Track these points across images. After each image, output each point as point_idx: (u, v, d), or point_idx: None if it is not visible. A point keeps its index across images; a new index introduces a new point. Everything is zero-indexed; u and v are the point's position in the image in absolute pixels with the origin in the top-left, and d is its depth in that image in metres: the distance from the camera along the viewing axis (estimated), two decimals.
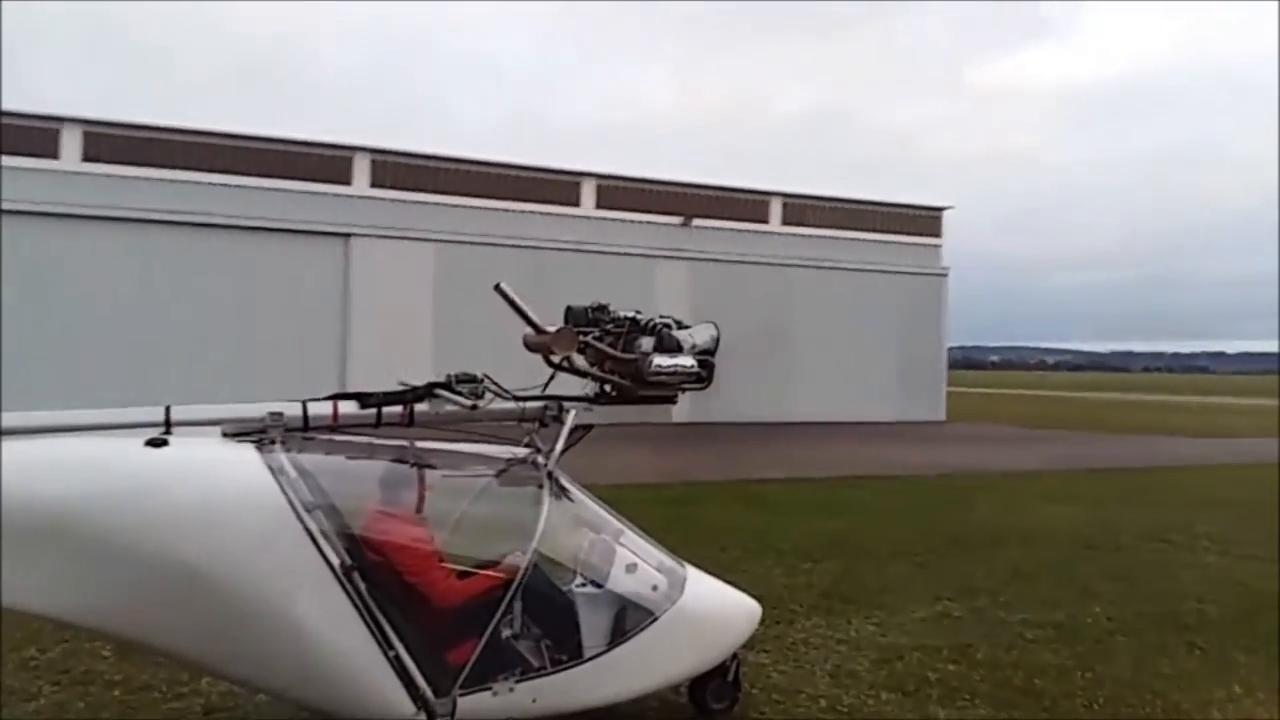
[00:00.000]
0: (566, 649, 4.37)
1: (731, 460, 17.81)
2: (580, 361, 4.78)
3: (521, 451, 4.63)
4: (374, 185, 25.98)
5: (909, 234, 32.40)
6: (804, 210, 31.12)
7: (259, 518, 3.78)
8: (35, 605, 3.62)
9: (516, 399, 4.59)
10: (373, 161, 26.07)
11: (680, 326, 4.98)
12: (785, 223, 30.83)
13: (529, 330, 4.72)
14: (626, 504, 4.94)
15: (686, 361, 4.76)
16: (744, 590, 5.25)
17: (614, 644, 4.44)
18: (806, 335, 29.58)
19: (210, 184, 24.02)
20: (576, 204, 28.35)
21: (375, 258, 25.37)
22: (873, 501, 13.24)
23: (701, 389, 4.92)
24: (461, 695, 4.03)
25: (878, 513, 12.17)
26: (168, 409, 4.03)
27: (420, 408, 4.41)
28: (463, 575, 4.30)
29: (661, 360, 4.69)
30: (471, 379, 4.51)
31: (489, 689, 4.10)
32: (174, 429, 3.99)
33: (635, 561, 4.71)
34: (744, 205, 30.44)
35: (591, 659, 4.38)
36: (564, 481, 4.61)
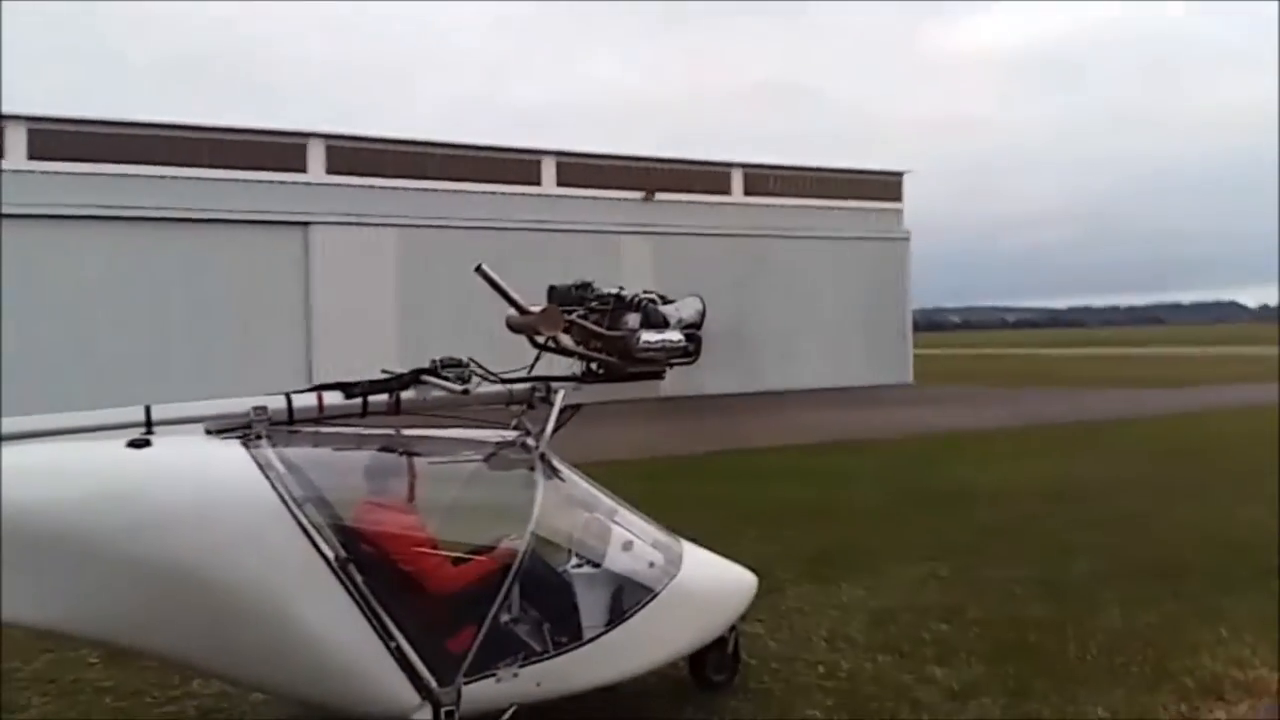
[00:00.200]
0: (568, 631, 4.34)
1: (701, 433, 17.82)
2: (566, 341, 4.72)
3: (511, 434, 4.57)
4: (330, 172, 25.59)
5: (870, 199, 32.52)
6: (765, 180, 31.13)
7: (251, 515, 3.70)
8: (28, 618, 3.52)
9: (504, 381, 4.53)
10: (328, 147, 25.67)
11: (665, 301, 4.94)
12: (747, 193, 30.83)
13: (512, 311, 4.65)
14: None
15: (674, 336, 4.72)
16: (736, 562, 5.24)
17: (616, 623, 4.41)
18: (772, 304, 29.62)
19: (160, 177, 23.49)
20: (537, 183, 28.14)
21: (335, 245, 25.03)
22: (847, 466, 13.34)
23: (689, 363, 4.89)
24: (466, 683, 3.98)
25: (853, 477, 12.27)
26: (148, 408, 3.92)
27: (407, 395, 4.34)
28: (461, 562, 4.25)
29: (649, 336, 4.65)
30: (458, 363, 4.45)
31: (493, 675, 4.05)
32: (155, 428, 3.89)
33: (631, 539, 4.68)
34: (705, 177, 30.39)
35: (594, 639, 4.34)
36: (555, 462, 4.57)
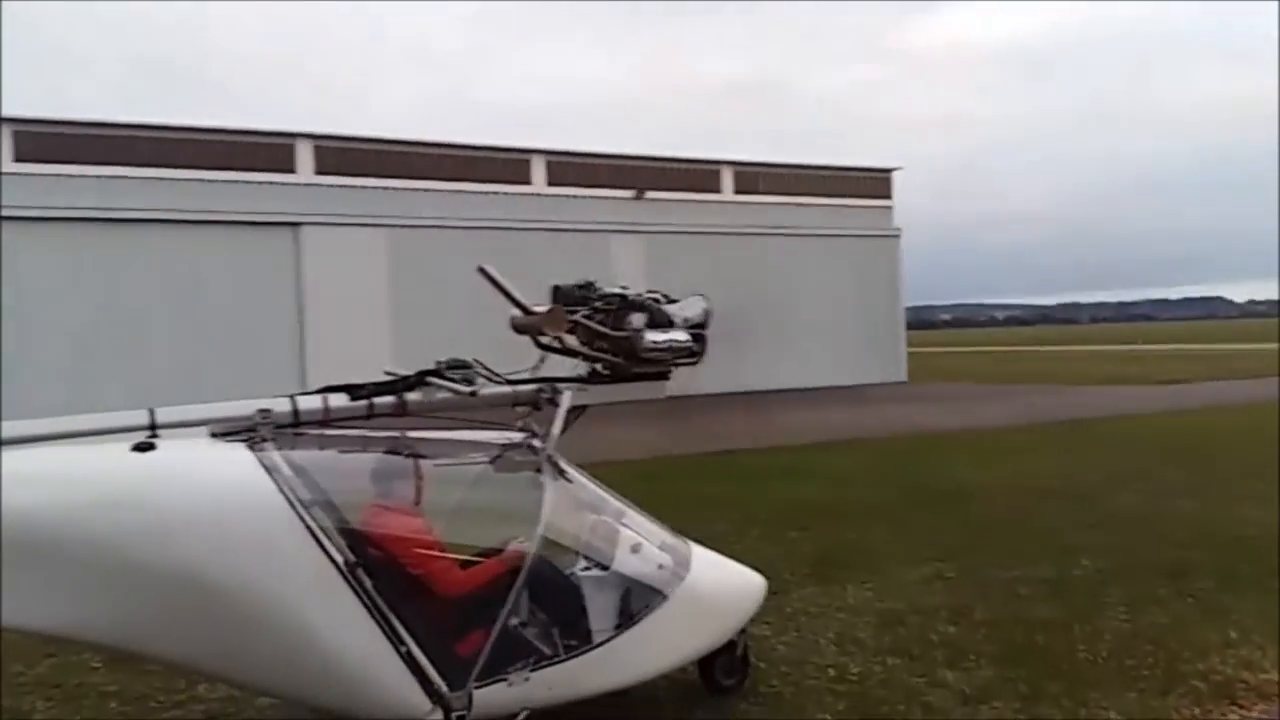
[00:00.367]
0: (578, 635, 4.28)
1: (698, 433, 17.77)
2: (571, 341, 4.66)
3: (517, 436, 4.51)
4: (319, 172, 25.43)
5: (860, 197, 32.49)
6: (755, 178, 31.07)
7: (259, 519, 3.65)
8: (32, 624, 3.46)
9: (510, 383, 4.48)
10: (316, 148, 25.49)
11: (668, 301, 4.88)
12: (738, 191, 30.77)
13: (515, 312, 4.58)
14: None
15: (680, 336, 4.67)
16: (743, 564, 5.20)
17: (626, 627, 4.36)
18: (764, 303, 29.54)
19: (149, 179, 23.30)
20: (528, 182, 28.02)
21: (327, 246, 24.87)
22: (844, 466, 13.30)
23: (695, 363, 4.83)
24: (477, 688, 3.93)
25: (851, 477, 12.22)
26: (152, 411, 3.85)
27: (412, 397, 4.28)
28: (469, 565, 4.20)
29: (654, 336, 4.59)
30: (463, 365, 4.39)
31: (504, 680, 4.00)
32: (159, 431, 3.82)
33: (640, 541, 4.63)
34: (696, 176, 30.31)
35: (605, 643, 4.29)
36: (562, 464, 4.51)
